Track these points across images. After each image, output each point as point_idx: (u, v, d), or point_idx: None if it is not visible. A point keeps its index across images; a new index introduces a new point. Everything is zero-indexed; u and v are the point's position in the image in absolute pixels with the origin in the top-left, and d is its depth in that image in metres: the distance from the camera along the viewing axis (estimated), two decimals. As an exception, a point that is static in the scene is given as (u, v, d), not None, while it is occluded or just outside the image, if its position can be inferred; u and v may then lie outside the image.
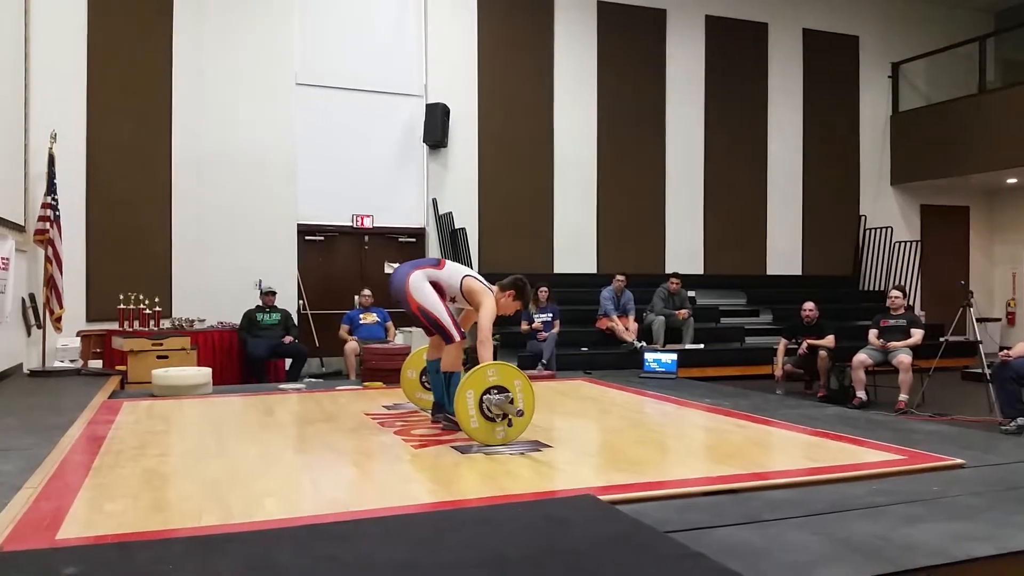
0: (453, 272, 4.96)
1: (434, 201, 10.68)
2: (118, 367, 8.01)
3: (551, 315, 9.43)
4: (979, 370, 8.23)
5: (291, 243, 10.11)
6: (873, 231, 13.00)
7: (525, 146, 11.22)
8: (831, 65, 12.96)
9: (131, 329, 8.46)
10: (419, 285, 4.80)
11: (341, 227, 10.58)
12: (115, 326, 8.61)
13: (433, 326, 4.83)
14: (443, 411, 4.94)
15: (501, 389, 4.44)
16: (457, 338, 4.81)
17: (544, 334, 9.20)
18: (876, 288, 12.73)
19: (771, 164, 12.63)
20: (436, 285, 4.85)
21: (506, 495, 3.40)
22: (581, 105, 11.51)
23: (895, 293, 8.13)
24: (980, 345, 8.22)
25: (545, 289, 9.56)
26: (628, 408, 6.18)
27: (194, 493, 3.45)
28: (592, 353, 9.77)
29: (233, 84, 9.82)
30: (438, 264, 5.00)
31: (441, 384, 4.97)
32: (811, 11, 12.82)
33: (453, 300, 4.96)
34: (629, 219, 11.72)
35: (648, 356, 8.20)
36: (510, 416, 4.42)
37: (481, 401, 4.40)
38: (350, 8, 10.50)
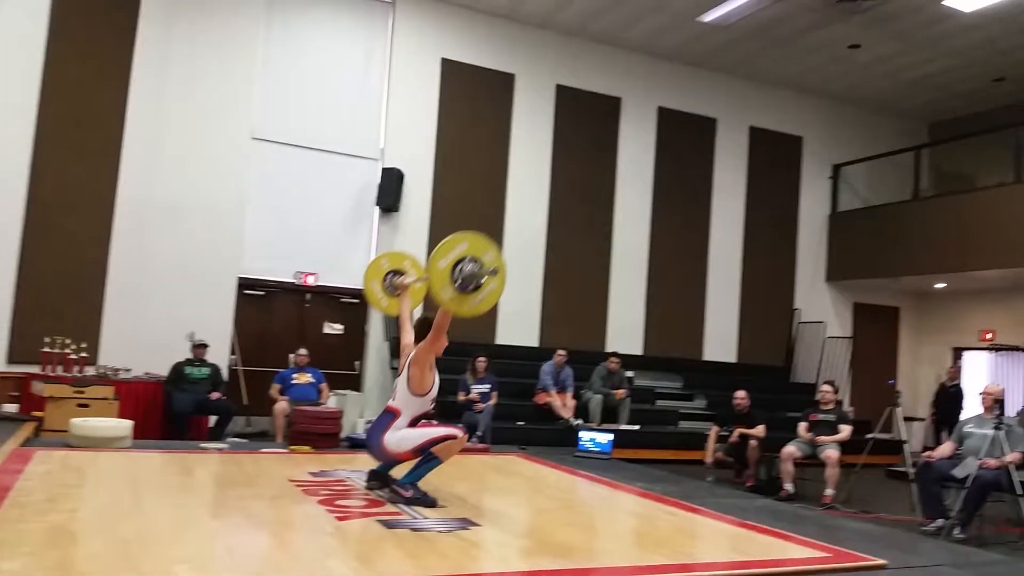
0: (399, 388, 4.82)
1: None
2: (35, 413, 7.66)
3: (489, 386, 9.37)
4: (904, 469, 8.40)
5: (230, 296, 9.93)
6: (807, 325, 13.34)
7: (477, 216, 11.29)
8: (775, 162, 13.48)
9: (53, 374, 8.14)
10: (399, 439, 4.68)
11: (283, 283, 10.45)
12: (37, 369, 8.29)
13: (432, 446, 4.66)
14: (390, 483, 4.79)
15: (463, 260, 4.48)
16: (459, 435, 4.70)
17: (481, 405, 9.13)
18: (806, 381, 13.00)
19: (712, 252, 12.95)
20: (411, 422, 4.73)
21: None
22: (534, 181, 11.72)
23: (826, 387, 8.31)
24: (905, 444, 8.42)
25: (484, 359, 9.52)
26: (561, 488, 6.12)
27: (103, 554, 3.28)
28: (528, 428, 9.71)
29: (188, 132, 9.77)
30: (394, 415, 4.77)
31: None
32: (758, 110, 13.37)
33: (430, 405, 4.81)
34: (574, 296, 11.84)
35: (584, 435, 8.17)
36: (484, 281, 4.49)
37: (456, 282, 4.45)
38: (313, 68, 10.59)
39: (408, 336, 5.14)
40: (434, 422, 4.91)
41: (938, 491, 6.45)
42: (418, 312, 5.73)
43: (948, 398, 12.14)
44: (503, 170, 11.58)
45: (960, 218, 11.66)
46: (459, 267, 4.49)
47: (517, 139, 11.67)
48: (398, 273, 5.62)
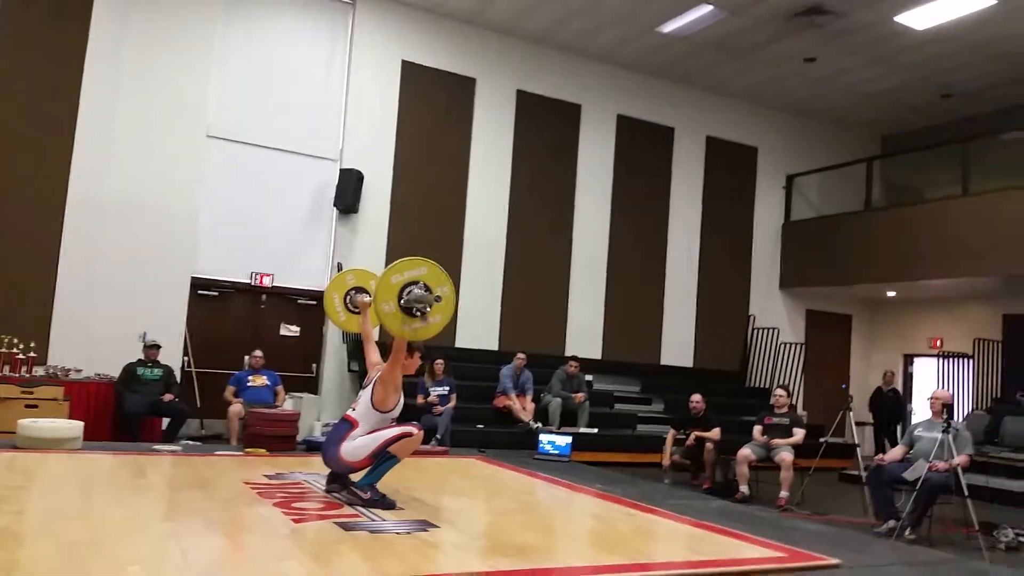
0: (362, 401, 4.78)
1: (339, 265, 10.53)
2: (-21, 414, 7.44)
3: (447, 388, 9.34)
4: (856, 472, 8.56)
5: (183, 296, 9.75)
6: (761, 331, 13.54)
7: (436, 218, 11.29)
8: (730, 171, 13.68)
9: (0, 374, 7.91)
10: (356, 448, 4.63)
11: (238, 283, 10.29)
12: (-18, 369, 8.05)
13: (389, 446, 4.62)
14: (348, 486, 4.74)
15: (415, 283, 4.62)
16: (415, 432, 4.68)
17: (440, 408, 9.09)
18: (761, 385, 13.19)
19: (670, 258, 13.09)
20: (367, 424, 4.69)
21: (387, 576, 3.28)
22: (494, 184, 11.72)
23: (780, 392, 8.44)
24: (858, 448, 8.58)
25: (441, 362, 9.48)
26: (520, 490, 6.13)
27: (51, 556, 3.20)
28: (488, 431, 9.68)
29: (142, 128, 9.58)
30: (351, 425, 4.71)
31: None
32: (715, 120, 13.55)
33: (391, 423, 4.76)
34: (533, 299, 11.86)
35: (543, 438, 8.20)
36: (430, 303, 4.63)
37: (401, 300, 4.58)
38: (272, 67, 10.47)
39: (374, 354, 5.15)
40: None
41: (889, 493, 6.60)
42: (376, 333, 5.69)
43: (886, 402, 12.53)
44: (463, 173, 11.56)
45: (910, 229, 11.95)
46: (409, 288, 4.61)
47: (477, 143, 11.66)
48: (361, 291, 5.62)
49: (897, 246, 12.02)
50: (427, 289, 4.64)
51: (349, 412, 4.81)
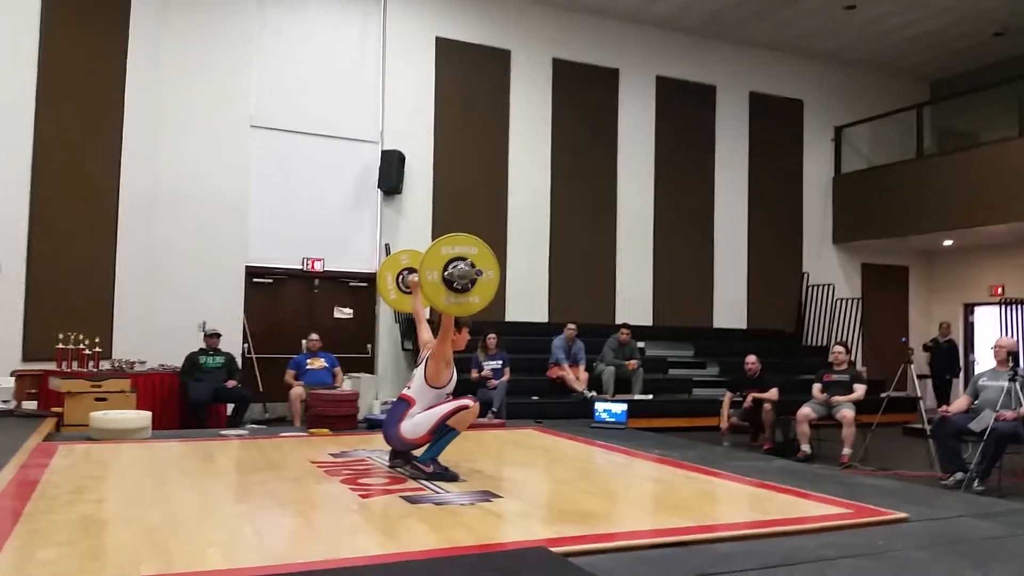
0: (416, 378, 4.85)
1: (387, 246, 10.65)
2: (54, 409, 7.72)
3: (501, 362, 9.41)
4: (919, 426, 8.42)
5: (239, 285, 9.96)
6: (815, 288, 13.33)
7: (479, 195, 11.30)
8: (776, 127, 13.41)
9: (69, 370, 8.20)
10: (415, 427, 4.71)
11: (291, 270, 10.47)
12: (52, 366, 8.35)
13: (447, 420, 4.71)
14: (411, 460, 4.84)
15: (463, 259, 4.63)
16: (471, 404, 4.74)
17: (494, 382, 9.17)
18: (818, 343, 13.00)
19: (718, 220, 12.92)
20: (424, 401, 4.76)
21: (456, 547, 3.33)
22: (535, 157, 11.68)
23: (838, 349, 8.31)
24: (920, 401, 8.43)
25: (494, 336, 9.55)
26: (578, 458, 6.16)
27: (132, 541, 3.32)
28: (542, 402, 9.75)
29: (187, 123, 9.76)
30: (408, 404, 4.80)
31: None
32: (757, 76, 13.28)
33: (446, 398, 4.83)
34: (581, 269, 11.84)
35: (599, 406, 8.21)
36: (473, 280, 4.63)
37: (445, 277, 4.57)
38: (308, 54, 10.55)
39: (426, 333, 5.21)
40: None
41: (955, 445, 6.48)
42: (426, 312, 5.74)
43: (941, 353, 12.22)
44: (504, 147, 11.54)
45: (966, 175, 11.61)
46: (455, 263, 4.63)
47: (516, 115, 11.62)
48: (413, 271, 5.64)
49: (953, 193, 11.70)
50: (472, 266, 4.65)
51: (405, 391, 4.89)
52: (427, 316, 5.58)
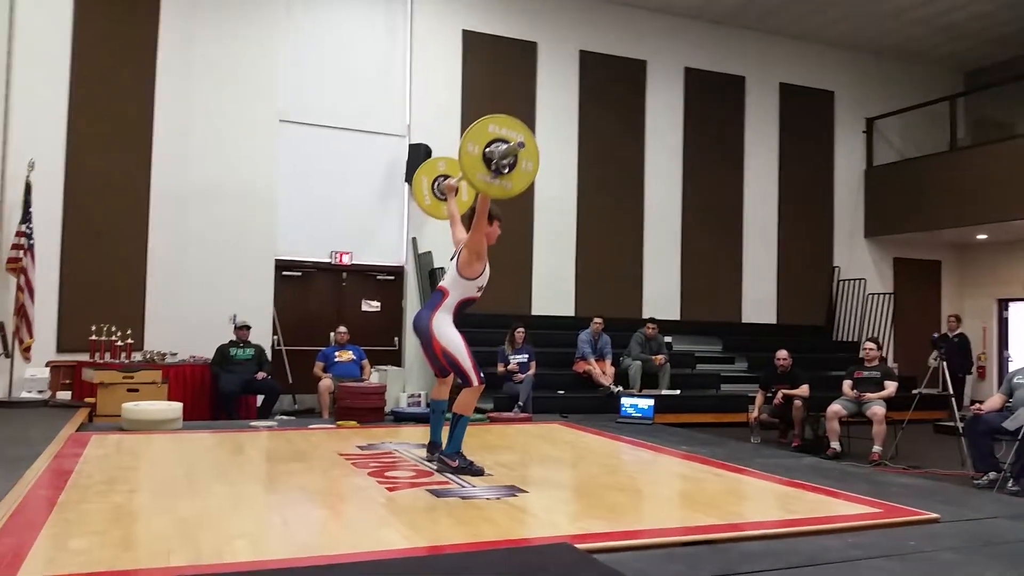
0: (450, 270, 4.91)
1: (414, 240, 10.69)
2: (87, 399, 7.86)
3: (527, 356, 9.41)
4: (952, 423, 8.29)
5: (268, 278, 10.05)
6: (846, 282, 13.17)
7: (506, 188, 11.26)
8: (807, 119, 13.24)
9: (102, 361, 8.33)
10: (443, 328, 4.76)
11: (319, 263, 10.55)
12: (86, 357, 8.48)
13: (453, 368, 4.79)
14: (438, 450, 4.88)
15: (506, 142, 4.58)
16: (476, 382, 4.76)
17: (520, 376, 9.17)
18: (849, 339, 12.86)
19: (747, 213, 12.80)
20: (459, 305, 4.82)
21: (482, 542, 3.35)
22: (562, 149, 11.64)
23: (869, 345, 8.21)
24: (952, 399, 8.30)
25: (522, 330, 9.55)
26: (604, 454, 6.15)
27: (163, 531, 3.37)
28: (569, 396, 9.74)
29: (216, 118, 9.84)
30: (443, 294, 4.86)
31: (440, 424, 5.01)
32: (787, 66, 13.12)
33: (476, 291, 4.87)
34: (607, 263, 11.79)
35: (625, 401, 8.19)
36: (513, 163, 4.57)
37: (485, 154, 4.52)
38: (336, 47, 10.59)
39: (460, 232, 5.18)
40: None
41: (988, 444, 6.37)
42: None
43: (951, 349, 11.79)
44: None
45: (1001, 167, 11.39)
46: (497, 143, 4.57)
47: (543, 108, 11.58)
48: (449, 177, 5.60)
49: (987, 186, 11.49)
50: (503, 140, 4.57)
51: (440, 283, 4.97)
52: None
